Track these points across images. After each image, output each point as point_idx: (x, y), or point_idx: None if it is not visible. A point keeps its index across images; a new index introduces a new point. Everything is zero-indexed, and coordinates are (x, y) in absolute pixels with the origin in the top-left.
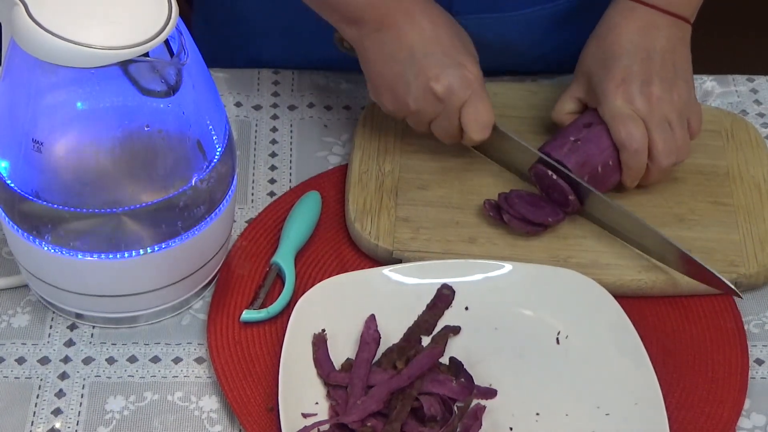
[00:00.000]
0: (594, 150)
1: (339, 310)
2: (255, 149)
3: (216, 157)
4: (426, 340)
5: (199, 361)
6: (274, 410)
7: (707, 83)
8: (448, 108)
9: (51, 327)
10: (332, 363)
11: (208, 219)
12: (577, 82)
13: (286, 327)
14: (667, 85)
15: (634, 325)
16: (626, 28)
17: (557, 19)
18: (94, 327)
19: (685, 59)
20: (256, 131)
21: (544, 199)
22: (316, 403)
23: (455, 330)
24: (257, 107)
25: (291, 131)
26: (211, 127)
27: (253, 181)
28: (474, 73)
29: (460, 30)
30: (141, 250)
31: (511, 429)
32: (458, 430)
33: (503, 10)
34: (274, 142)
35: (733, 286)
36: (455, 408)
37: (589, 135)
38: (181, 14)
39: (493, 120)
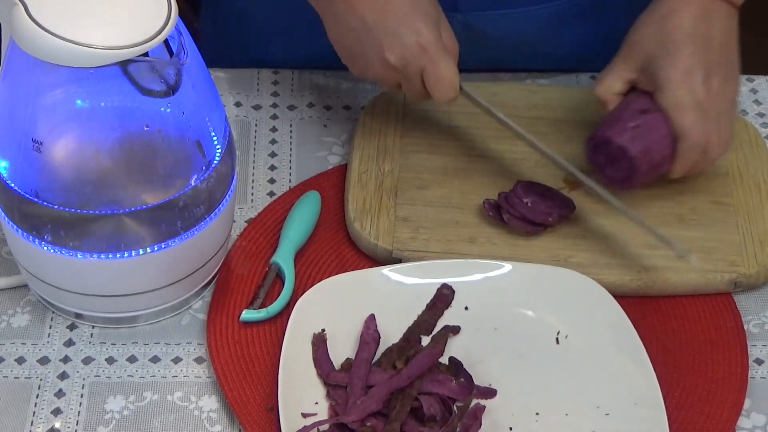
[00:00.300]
0: (655, 137)
1: (339, 310)
2: (255, 149)
3: (216, 157)
4: (426, 340)
5: (198, 360)
6: (274, 410)
7: None
8: (407, 75)
9: (51, 327)
10: (332, 363)
11: (207, 219)
12: (629, 62)
13: (286, 327)
14: (723, 78)
15: (634, 325)
16: (687, 13)
17: (562, 17)
18: (93, 327)
19: (736, 53)
20: (255, 131)
21: (551, 192)
22: (316, 403)
23: (455, 330)
24: (257, 107)
25: (291, 131)
26: (210, 127)
27: (252, 181)
28: (429, 38)
29: None
30: (141, 250)
31: (510, 429)
32: (458, 429)
33: (508, 6)
34: (273, 142)
35: (679, 248)
36: (455, 408)
37: (647, 122)
38: (182, 14)
39: (457, 80)
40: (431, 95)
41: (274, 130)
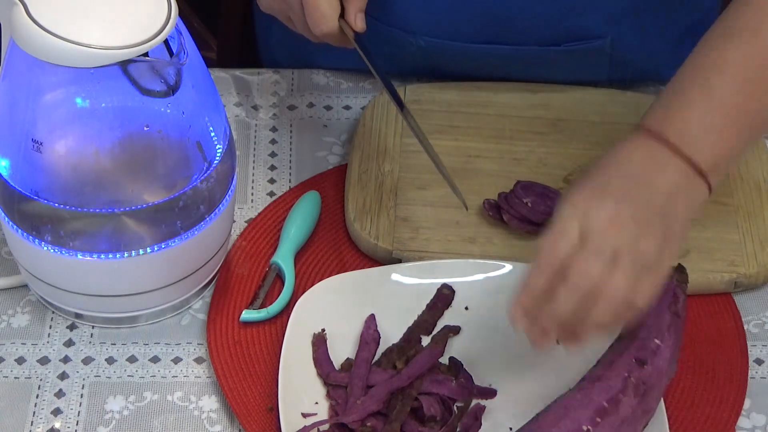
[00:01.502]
0: None
1: (339, 310)
2: (255, 149)
3: (216, 157)
4: (426, 340)
5: (198, 361)
6: (274, 410)
7: None
8: (290, 4)
9: (51, 327)
10: (332, 363)
11: (207, 219)
12: None
13: (286, 327)
14: (640, 223)
15: None
16: (626, 151)
17: (523, 58)
18: (93, 327)
19: (679, 219)
20: (255, 131)
21: (551, 192)
22: (316, 403)
23: (455, 330)
24: (257, 107)
25: (291, 131)
26: (210, 127)
27: (252, 181)
28: None
29: None
30: (141, 250)
31: (510, 429)
32: (458, 430)
33: (464, 40)
34: (273, 142)
35: None
36: (455, 408)
37: None
38: (182, 14)
39: (331, 13)
40: (310, 27)
41: (274, 130)
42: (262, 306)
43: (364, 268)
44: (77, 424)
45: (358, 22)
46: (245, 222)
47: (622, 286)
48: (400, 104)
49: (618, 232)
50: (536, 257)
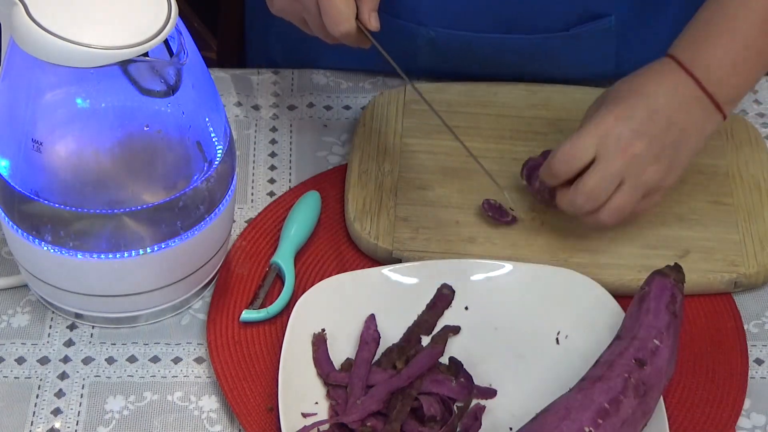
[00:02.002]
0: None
1: (339, 310)
2: (255, 149)
3: (216, 157)
4: (426, 340)
5: (198, 361)
6: (274, 410)
7: None
8: (304, 3)
9: (50, 327)
10: (332, 363)
11: (207, 219)
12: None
13: (286, 327)
14: (650, 156)
15: None
16: (654, 82)
17: (531, 49)
18: (93, 327)
19: (688, 152)
20: (255, 131)
21: None
22: (316, 402)
23: (455, 330)
24: (257, 107)
25: (290, 131)
26: (210, 127)
27: (252, 181)
28: None
29: None
30: (141, 250)
31: (510, 429)
32: (458, 430)
33: (476, 30)
34: (273, 142)
35: None
36: (455, 408)
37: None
38: (182, 14)
39: (348, 12)
40: (327, 27)
41: (274, 130)
42: (262, 306)
43: (364, 268)
44: (77, 424)
45: (372, 21)
46: (245, 222)
47: (618, 205)
48: (419, 94)
49: (627, 161)
50: (552, 157)
